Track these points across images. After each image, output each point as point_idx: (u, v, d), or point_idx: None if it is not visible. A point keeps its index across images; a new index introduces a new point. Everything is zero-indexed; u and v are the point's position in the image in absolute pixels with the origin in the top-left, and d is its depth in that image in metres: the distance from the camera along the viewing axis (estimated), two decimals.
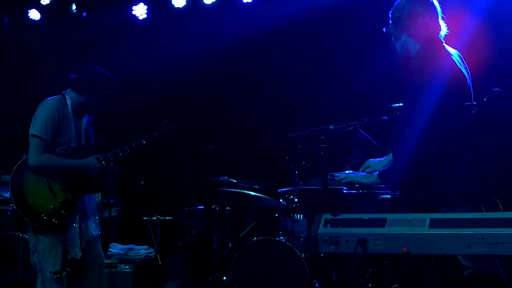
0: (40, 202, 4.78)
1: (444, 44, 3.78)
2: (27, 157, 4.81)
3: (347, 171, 4.65)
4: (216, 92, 8.80)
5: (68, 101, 4.96)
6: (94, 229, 5.01)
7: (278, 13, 8.14)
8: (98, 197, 6.97)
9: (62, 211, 4.78)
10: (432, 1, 3.80)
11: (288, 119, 8.14)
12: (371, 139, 3.76)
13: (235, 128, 8.38)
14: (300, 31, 8.08)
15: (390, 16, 3.86)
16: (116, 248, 6.59)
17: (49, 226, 4.76)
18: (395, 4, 3.85)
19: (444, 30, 3.78)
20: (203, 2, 8.18)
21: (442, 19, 3.80)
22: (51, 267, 4.77)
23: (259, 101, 8.42)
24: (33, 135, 4.79)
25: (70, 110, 4.93)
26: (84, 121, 5.06)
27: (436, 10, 3.79)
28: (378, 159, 4.13)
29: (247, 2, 8.09)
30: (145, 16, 8.48)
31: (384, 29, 3.92)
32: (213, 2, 8.14)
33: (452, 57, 3.70)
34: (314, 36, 8.07)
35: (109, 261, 6.25)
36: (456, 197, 3.55)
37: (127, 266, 6.30)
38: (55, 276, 4.76)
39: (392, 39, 3.90)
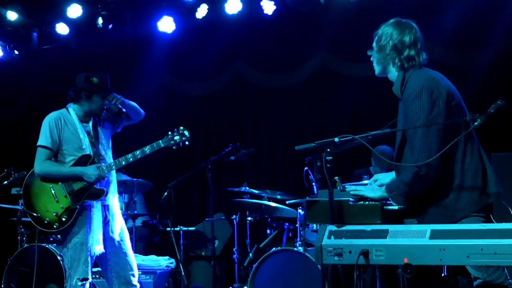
0: (45, 207, 5.10)
1: (425, 68, 3.77)
2: None
3: (365, 181, 4.65)
4: (238, 103, 8.86)
5: (72, 112, 5.20)
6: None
7: (299, 26, 8.19)
8: (122, 208, 7.10)
9: (63, 217, 5.03)
10: (418, 32, 3.76)
11: (312, 129, 8.17)
12: (376, 152, 3.77)
13: (258, 139, 8.43)
14: (320, 44, 8.09)
15: (375, 38, 3.83)
16: (137, 259, 6.63)
17: (50, 230, 5.09)
18: (381, 28, 3.81)
19: (423, 58, 3.76)
20: (226, 13, 8.18)
21: (421, 47, 3.76)
22: (79, 274, 4.95)
23: (282, 110, 8.46)
24: (37, 146, 5.14)
25: (75, 119, 5.16)
26: (90, 125, 5.23)
27: (421, 40, 3.76)
28: (387, 173, 4.13)
29: (267, 14, 8.04)
30: (173, 28, 8.49)
31: (368, 52, 3.89)
32: (234, 14, 8.13)
33: (437, 76, 3.71)
34: (335, 51, 8.07)
35: None
36: (466, 208, 3.54)
37: (148, 277, 6.39)
38: (80, 283, 4.93)
39: (372, 59, 3.89)
